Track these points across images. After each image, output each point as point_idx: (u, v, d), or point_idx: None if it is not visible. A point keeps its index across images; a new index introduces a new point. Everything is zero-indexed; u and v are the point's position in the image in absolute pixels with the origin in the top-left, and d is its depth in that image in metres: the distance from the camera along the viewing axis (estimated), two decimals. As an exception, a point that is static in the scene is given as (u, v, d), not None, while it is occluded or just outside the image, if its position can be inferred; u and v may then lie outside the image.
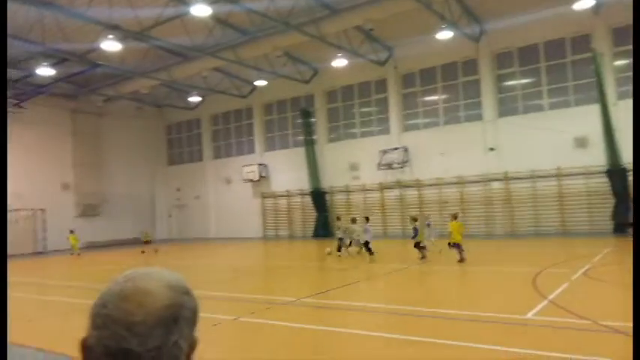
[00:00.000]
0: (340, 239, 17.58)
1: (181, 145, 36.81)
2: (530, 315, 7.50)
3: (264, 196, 31.33)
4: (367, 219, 17.16)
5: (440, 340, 6.53)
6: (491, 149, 23.63)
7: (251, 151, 32.43)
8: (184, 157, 36.54)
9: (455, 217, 14.77)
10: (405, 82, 26.65)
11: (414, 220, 16.12)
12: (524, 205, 22.97)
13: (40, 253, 28.11)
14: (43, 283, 15.73)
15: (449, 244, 14.61)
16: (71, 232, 26.49)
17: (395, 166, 25.86)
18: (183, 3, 18.52)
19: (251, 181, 31.29)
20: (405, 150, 25.81)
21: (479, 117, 24.27)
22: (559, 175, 21.92)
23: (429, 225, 18.14)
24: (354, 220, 17.78)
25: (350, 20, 20.50)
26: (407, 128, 26.58)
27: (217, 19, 20.08)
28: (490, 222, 23.78)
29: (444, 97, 25.53)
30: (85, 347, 0.98)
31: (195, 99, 32.24)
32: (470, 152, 24.01)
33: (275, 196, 30.91)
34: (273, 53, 23.46)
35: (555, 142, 21.81)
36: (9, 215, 27.49)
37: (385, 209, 26.66)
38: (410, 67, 26.14)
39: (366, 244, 16.13)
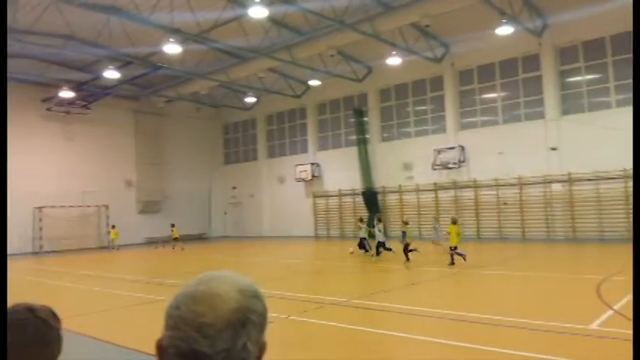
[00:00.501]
0: (364, 239, 18.96)
1: (237, 144, 37.66)
2: (594, 326, 7.12)
3: (316, 196, 31.51)
4: (380, 220, 18.39)
5: (496, 348, 6.32)
6: (553, 149, 22.61)
7: (304, 150, 32.70)
8: (240, 156, 37.36)
9: (454, 221, 15.47)
10: (462, 79, 25.98)
11: (405, 223, 17.48)
12: (587, 208, 21.82)
13: (105, 247, 29.59)
14: (105, 276, 16.56)
15: (450, 247, 15.04)
16: (112, 227, 27.93)
17: (451, 165, 25.27)
18: (240, 5, 18.94)
19: (303, 180, 31.56)
20: (462, 149, 25.17)
21: (540, 115, 23.28)
22: (626, 176, 20.65)
23: (435, 228, 19.66)
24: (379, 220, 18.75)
25: (406, 17, 20.21)
26: (464, 127, 25.91)
27: (273, 20, 20.37)
28: (550, 225, 22.78)
29: (503, 94, 24.68)
30: (160, 348, 1.01)
31: (250, 99, 32.90)
32: (530, 152, 23.08)
33: (327, 195, 31.01)
34: (327, 52, 23.52)
35: (622, 142, 20.52)
36: (77, 211, 29.17)
37: (439, 210, 26.14)
38: (467, 64, 25.45)
39: (381, 244, 17.31)
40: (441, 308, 8.95)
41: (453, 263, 14.64)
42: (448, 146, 25.53)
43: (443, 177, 26.00)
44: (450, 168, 25.37)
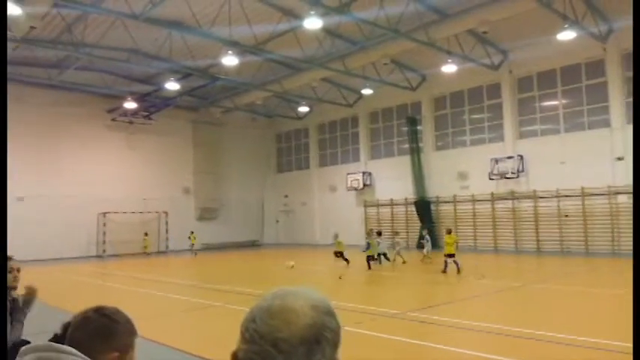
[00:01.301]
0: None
1: (290, 153, 38.14)
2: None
3: (367, 205, 31.36)
4: (379, 234, 20.13)
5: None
6: (620, 159, 21.44)
7: (356, 159, 32.67)
8: (292, 165, 37.81)
9: (449, 231, 16.57)
10: (521, 87, 25.18)
11: (369, 234, 19.35)
12: (660, 221, 20.48)
13: (163, 252, 30.69)
14: (163, 281, 17.13)
15: (444, 255, 16.17)
16: (192, 232, 28.90)
17: (509, 175, 24.49)
18: (296, 17, 19.26)
19: (355, 189, 31.50)
20: (521, 158, 24.34)
21: (605, 123, 22.18)
22: None
23: (423, 238, 20.86)
24: (379, 234, 20.34)
25: (462, 24, 19.87)
26: (522, 135, 25.07)
27: (327, 31, 20.57)
28: (616, 239, 21.56)
29: (564, 101, 23.71)
30: None
31: (303, 109, 33.31)
32: (594, 162, 22.00)
33: (378, 204, 30.79)
34: (381, 61, 23.46)
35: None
36: (138, 217, 30.43)
37: (496, 222, 25.35)
38: (526, 71, 24.66)
39: (383, 255, 19.02)
40: (500, 323, 8.65)
41: (445, 271, 15.72)
42: (506, 155, 24.76)
43: (500, 187, 25.22)
44: (508, 178, 24.59)
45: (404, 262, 19.46)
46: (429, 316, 9.63)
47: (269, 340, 0.99)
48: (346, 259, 18.98)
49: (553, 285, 13.46)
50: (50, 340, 1.92)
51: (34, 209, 26.45)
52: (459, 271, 15.53)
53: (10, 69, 23.51)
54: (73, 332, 1.79)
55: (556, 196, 23.19)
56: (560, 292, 12.55)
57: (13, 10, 15.43)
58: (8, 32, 18.73)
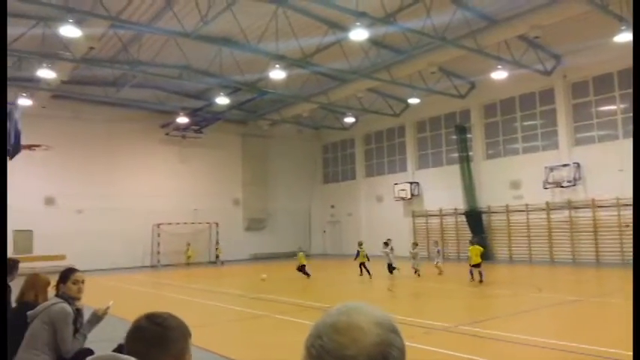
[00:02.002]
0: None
1: (336, 164, 38.22)
2: None
3: (415, 215, 30.89)
4: (386, 244, 20.53)
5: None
6: (688, 165, 20.18)
7: (403, 169, 32.32)
8: (338, 175, 37.85)
9: (472, 242, 17.68)
10: (576, 92, 24.21)
11: (360, 244, 20.50)
12: None
13: (213, 262, 31.36)
14: (213, 290, 17.47)
15: (470, 265, 17.00)
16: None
17: (564, 184, 23.52)
18: (341, 29, 19.39)
19: (402, 199, 31.13)
20: (577, 166, 23.34)
21: (670, 128, 20.96)
22: None
23: (438, 251, 21.41)
24: (386, 244, 20.70)
25: (513, 29, 19.36)
26: (578, 142, 24.05)
27: (373, 41, 20.57)
28: (687, 250, 20.20)
29: (622, 106, 22.59)
30: None
31: (349, 119, 33.33)
32: (658, 169, 20.79)
33: (427, 215, 30.26)
34: (428, 70, 23.18)
35: None
36: (189, 227, 31.26)
37: (552, 232, 24.35)
38: (581, 75, 23.72)
39: (388, 266, 19.54)
40: (558, 339, 8.27)
41: (473, 279, 16.58)
42: (561, 163, 23.82)
43: (556, 196, 24.26)
44: (563, 187, 23.62)
45: (440, 273, 19.41)
46: (482, 329, 9.34)
47: (336, 357, 0.99)
48: (307, 274, 19.46)
49: (614, 299, 12.76)
50: (114, 351, 2.00)
51: (93, 221, 27.70)
52: (481, 281, 16.33)
53: (69, 87, 24.95)
54: (129, 343, 1.86)
55: (616, 205, 22.05)
56: (622, 307, 11.87)
57: (72, 32, 16.33)
58: (68, 53, 19.85)
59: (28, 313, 4.60)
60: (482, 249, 17.17)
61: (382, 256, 20.31)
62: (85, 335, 4.69)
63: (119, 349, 2.15)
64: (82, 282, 4.83)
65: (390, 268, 19.43)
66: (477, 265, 16.57)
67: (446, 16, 18.22)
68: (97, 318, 4.78)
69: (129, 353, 1.78)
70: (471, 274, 16.73)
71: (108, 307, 4.84)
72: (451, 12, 18.12)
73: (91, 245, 26.86)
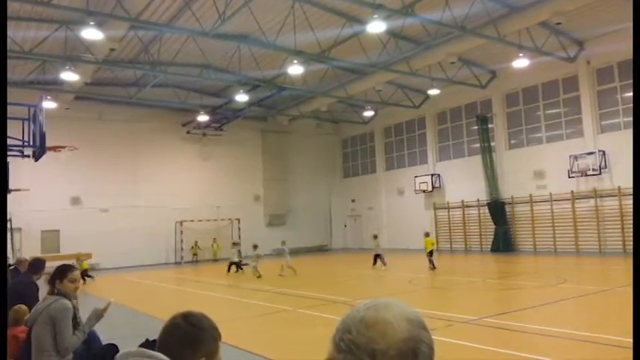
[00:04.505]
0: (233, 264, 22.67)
1: (356, 158, 38.11)
2: None
3: (436, 207, 30.63)
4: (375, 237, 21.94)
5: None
6: None
7: (423, 161, 32.06)
8: (358, 169, 37.74)
9: (427, 234, 20.20)
10: (601, 78, 23.63)
11: (235, 244, 22.74)
12: None
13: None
14: (236, 285, 17.64)
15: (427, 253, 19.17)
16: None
17: (590, 172, 23.02)
18: (358, 22, 19.29)
19: (423, 191, 30.89)
20: (603, 154, 22.82)
21: (700, 112, 20.32)
22: None
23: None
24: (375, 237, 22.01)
25: (534, 16, 18.95)
26: (604, 129, 23.50)
27: (391, 33, 20.40)
28: None
29: (650, 91, 21.96)
30: None
31: (368, 113, 33.16)
32: (688, 155, 20.20)
33: (449, 207, 29.97)
34: (447, 60, 22.90)
35: None
36: (212, 224, 31.58)
37: (578, 221, 23.90)
38: (606, 61, 23.12)
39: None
40: (588, 330, 8.14)
41: (434, 267, 18.51)
42: (586, 151, 23.31)
43: (581, 185, 23.78)
44: (589, 175, 23.13)
45: (258, 277, 19.10)
46: (506, 322, 9.24)
47: (366, 351, 0.99)
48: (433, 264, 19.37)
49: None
50: (140, 346, 2.04)
51: (117, 220, 28.21)
52: (434, 267, 18.56)
53: (92, 89, 25.40)
54: (163, 337, 1.90)
55: (645, 194, 21.51)
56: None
57: (94, 34, 16.60)
58: (90, 55, 20.19)
59: (27, 317, 4.57)
60: (434, 241, 20.16)
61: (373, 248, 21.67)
62: (84, 332, 4.59)
63: (146, 343, 2.19)
64: (78, 281, 4.77)
65: (376, 260, 20.67)
66: (430, 253, 18.86)
67: (465, 5, 17.95)
68: (97, 316, 4.73)
69: (161, 347, 1.82)
70: (430, 261, 18.70)
71: (108, 305, 4.81)
72: (470, 1, 17.85)
73: (116, 243, 27.38)
